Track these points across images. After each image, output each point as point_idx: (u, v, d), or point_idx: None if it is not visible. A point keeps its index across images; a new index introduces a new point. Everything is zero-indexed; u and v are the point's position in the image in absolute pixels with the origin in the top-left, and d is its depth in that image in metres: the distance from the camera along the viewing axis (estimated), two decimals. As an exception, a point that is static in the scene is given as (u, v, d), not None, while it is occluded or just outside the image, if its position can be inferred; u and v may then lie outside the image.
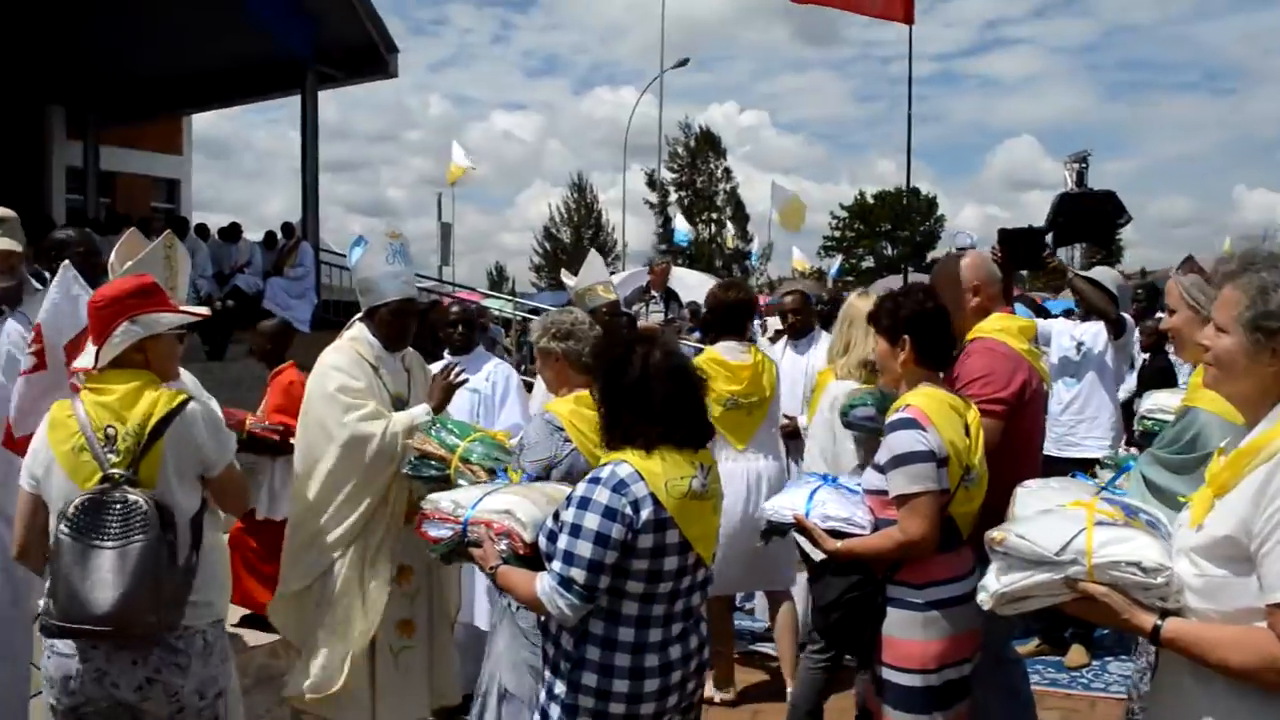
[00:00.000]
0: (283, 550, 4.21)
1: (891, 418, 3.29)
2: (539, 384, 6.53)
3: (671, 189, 55.48)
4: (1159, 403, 4.41)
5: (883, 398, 4.04)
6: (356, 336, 4.25)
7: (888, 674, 3.23)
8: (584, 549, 2.69)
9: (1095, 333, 5.89)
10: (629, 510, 2.71)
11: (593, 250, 6.37)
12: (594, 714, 2.80)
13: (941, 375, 3.50)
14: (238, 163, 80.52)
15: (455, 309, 5.54)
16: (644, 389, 2.85)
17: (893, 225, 59.41)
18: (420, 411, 4.04)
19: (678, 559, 2.81)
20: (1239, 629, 1.94)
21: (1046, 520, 2.30)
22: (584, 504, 2.74)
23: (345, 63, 15.19)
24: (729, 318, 5.35)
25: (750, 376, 5.16)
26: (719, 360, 5.19)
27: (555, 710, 2.85)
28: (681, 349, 3.16)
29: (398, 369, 4.32)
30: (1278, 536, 1.86)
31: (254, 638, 5.10)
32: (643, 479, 2.75)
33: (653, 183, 54.80)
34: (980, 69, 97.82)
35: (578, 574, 2.70)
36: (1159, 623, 2.04)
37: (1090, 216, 7.69)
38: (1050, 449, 5.64)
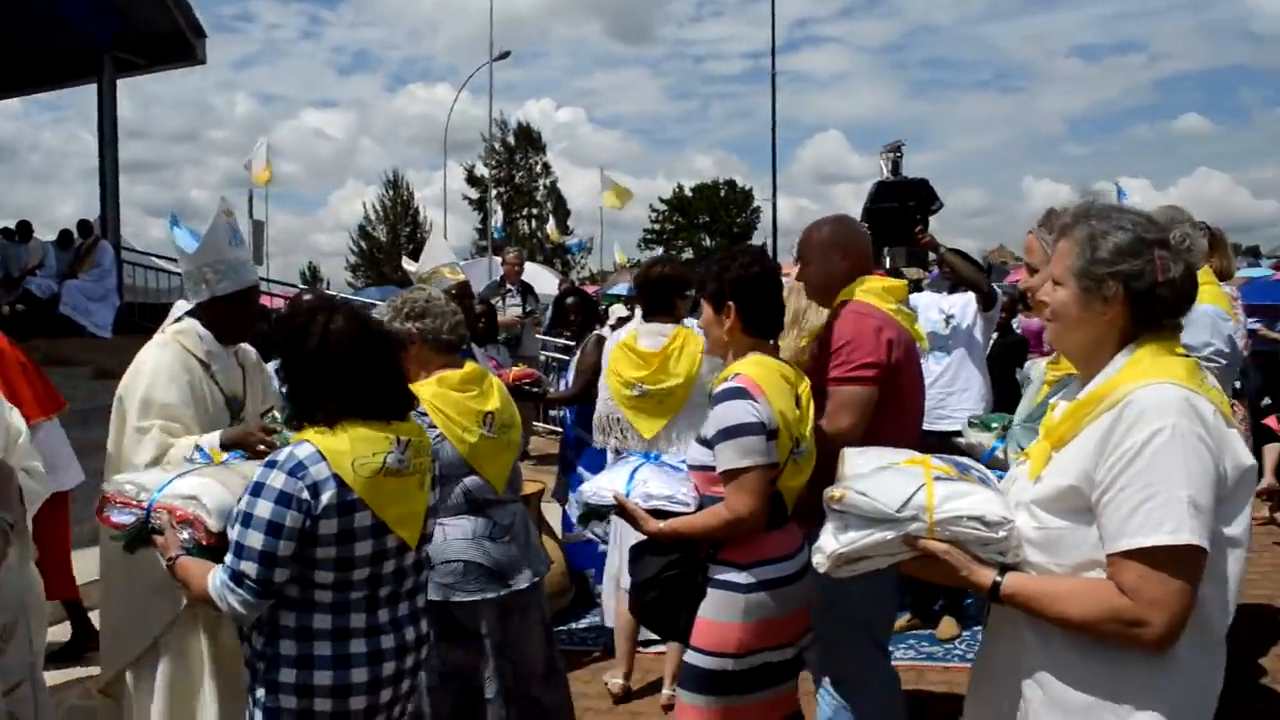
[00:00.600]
0: None
1: (719, 387, 3.06)
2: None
3: (491, 185, 54.92)
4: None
5: None
6: (184, 330, 3.77)
7: (692, 656, 3.02)
8: (255, 540, 2.47)
9: (964, 304, 5.89)
10: (306, 495, 2.49)
11: (434, 232, 5.95)
12: (298, 714, 2.57)
13: (772, 343, 3.29)
14: (23, 163, 75.25)
15: (308, 297, 4.98)
16: (323, 359, 2.61)
17: (711, 218, 60.52)
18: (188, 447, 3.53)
19: (372, 543, 2.59)
20: (1079, 581, 1.94)
21: (885, 477, 2.21)
22: (257, 490, 2.51)
23: (147, 49, 13.99)
24: (656, 294, 5.00)
25: (660, 363, 4.82)
26: (628, 345, 4.95)
27: (258, 717, 2.60)
28: (371, 315, 2.88)
29: (232, 365, 3.88)
30: (1120, 485, 1.86)
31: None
32: (324, 459, 2.53)
33: (472, 179, 54.19)
34: (790, 66, 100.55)
35: (249, 568, 2.48)
36: (998, 578, 2.00)
37: (906, 202, 7.87)
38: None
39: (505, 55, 33.23)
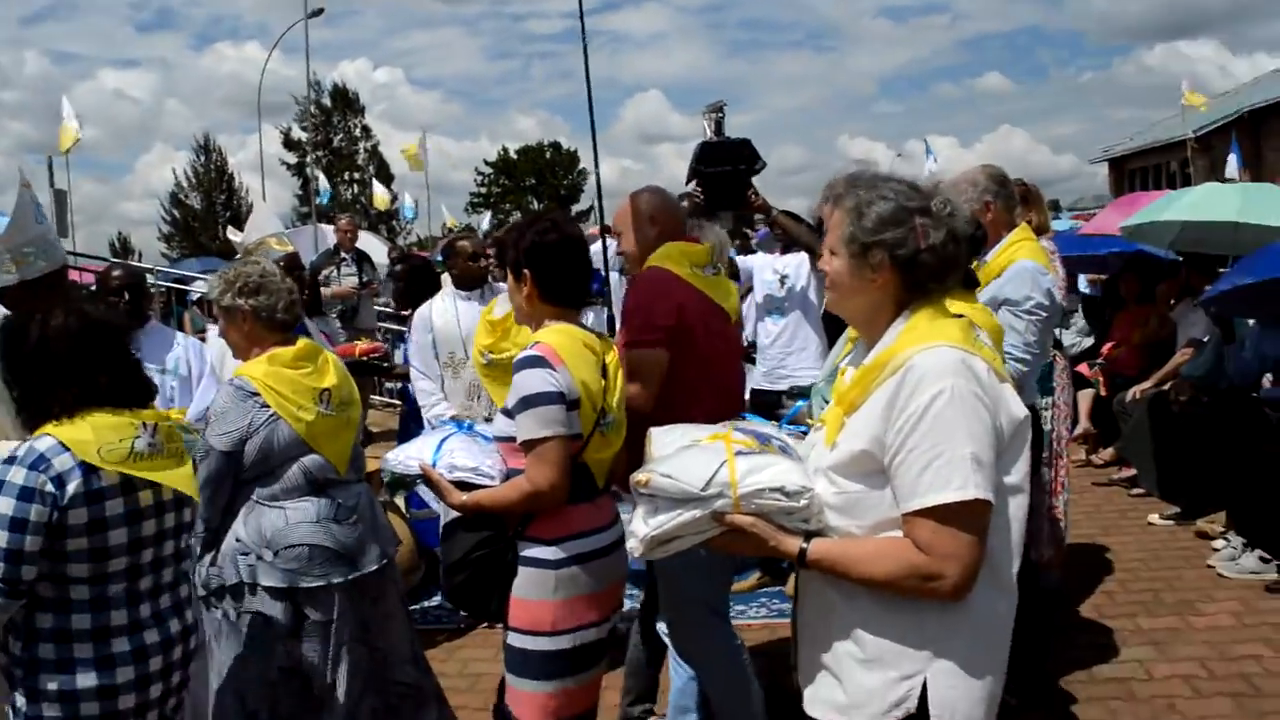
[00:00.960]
0: None
1: (518, 356, 3.02)
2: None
3: (310, 150, 53.17)
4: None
5: None
6: None
7: (511, 638, 2.99)
8: None
9: (798, 265, 5.97)
10: (50, 488, 2.45)
11: (259, 201, 5.76)
12: None
13: (579, 312, 3.25)
14: None
15: (117, 273, 4.71)
16: (45, 354, 2.60)
17: (537, 180, 60.17)
18: None
19: (126, 531, 2.57)
20: (879, 541, 2.01)
21: (688, 456, 2.23)
22: None
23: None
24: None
25: (504, 330, 4.80)
26: (485, 313, 4.95)
27: None
28: (92, 308, 2.82)
29: (131, 328, 3.64)
30: (908, 447, 1.93)
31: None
32: (67, 449, 2.49)
33: (289, 143, 52.34)
34: (610, 26, 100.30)
35: None
36: (804, 545, 2.06)
37: (730, 162, 8.01)
38: (761, 382, 5.74)
39: (319, 12, 32.06)
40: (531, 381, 2.88)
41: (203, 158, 52.67)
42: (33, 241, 3.57)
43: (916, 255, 2.09)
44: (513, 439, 2.96)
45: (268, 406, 3.34)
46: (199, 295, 12.77)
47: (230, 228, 9.77)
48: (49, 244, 3.63)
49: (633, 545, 2.21)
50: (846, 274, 2.15)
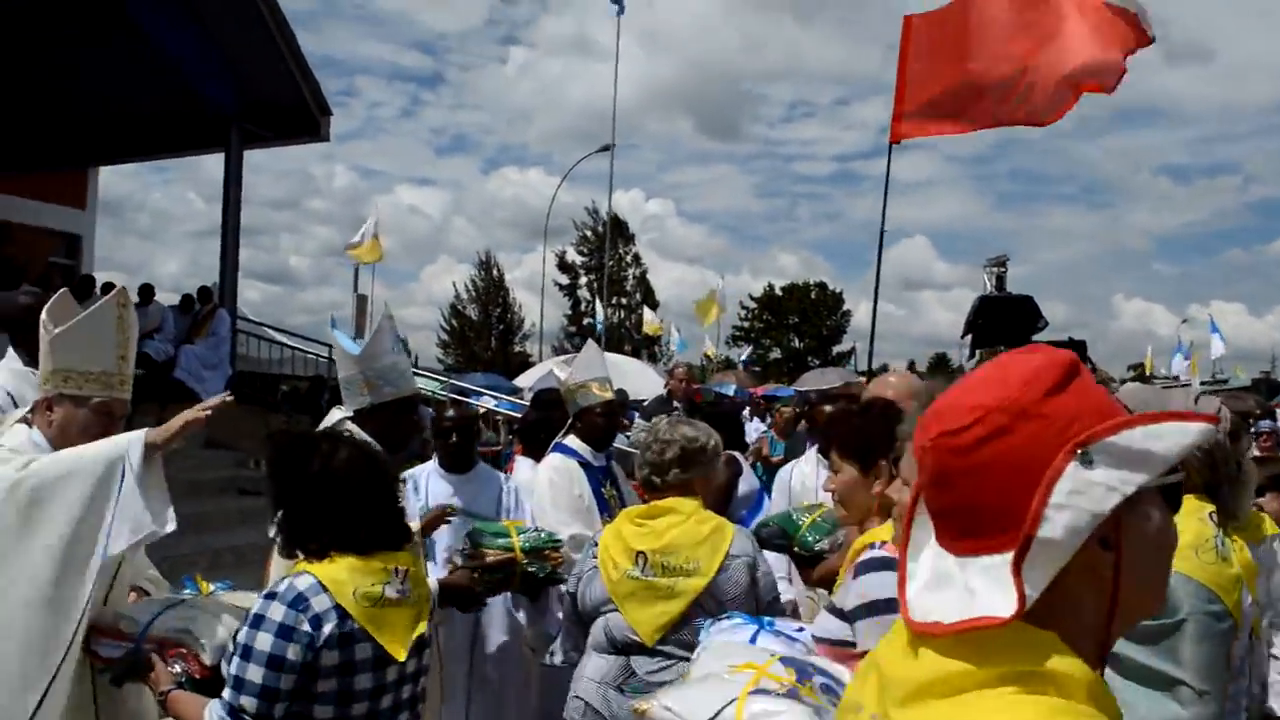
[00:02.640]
0: None
1: (863, 555, 2.60)
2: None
3: (582, 272, 55.32)
4: None
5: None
6: None
7: None
8: (255, 674, 2.41)
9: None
10: (308, 627, 2.44)
11: (590, 341, 5.68)
12: None
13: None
14: (132, 221, 77.72)
15: (451, 413, 4.79)
16: (324, 485, 2.59)
17: (800, 318, 60.24)
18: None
19: (371, 676, 2.53)
20: None
21: (698, 687, 2.18)
22: (257, 622, 2.46)
23: (274, 122, 14.35)
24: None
25: None
26: None
27: None
28: (374, 450, 2.79)
29: (400, 475, 3.65)
30: None
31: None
32: (325, 590, 2.48)
33: (563, 264, 54.63)
34: (878, 171, 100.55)
35: (248, 702, 2.41)
36: None
37: (1009, 320, 7.49)
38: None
39: (608, 148, 33.63)
40: (880, 585, 2.47)
41: (483, 272, 55.63)
42: (387, 368, 3.65)
43: None
44: (844, 643, 2.57)
45: (595, 558, 3.40)
46: (484, 410, 13.17)
47: (556, 361, 9.91)
48: (399, 372, 3.70)
49: None
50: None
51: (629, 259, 57.51)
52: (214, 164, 14.46)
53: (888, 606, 2.43)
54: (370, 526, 2.62)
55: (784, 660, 2.26)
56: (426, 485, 4.62)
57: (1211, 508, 2.46)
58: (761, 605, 3.27)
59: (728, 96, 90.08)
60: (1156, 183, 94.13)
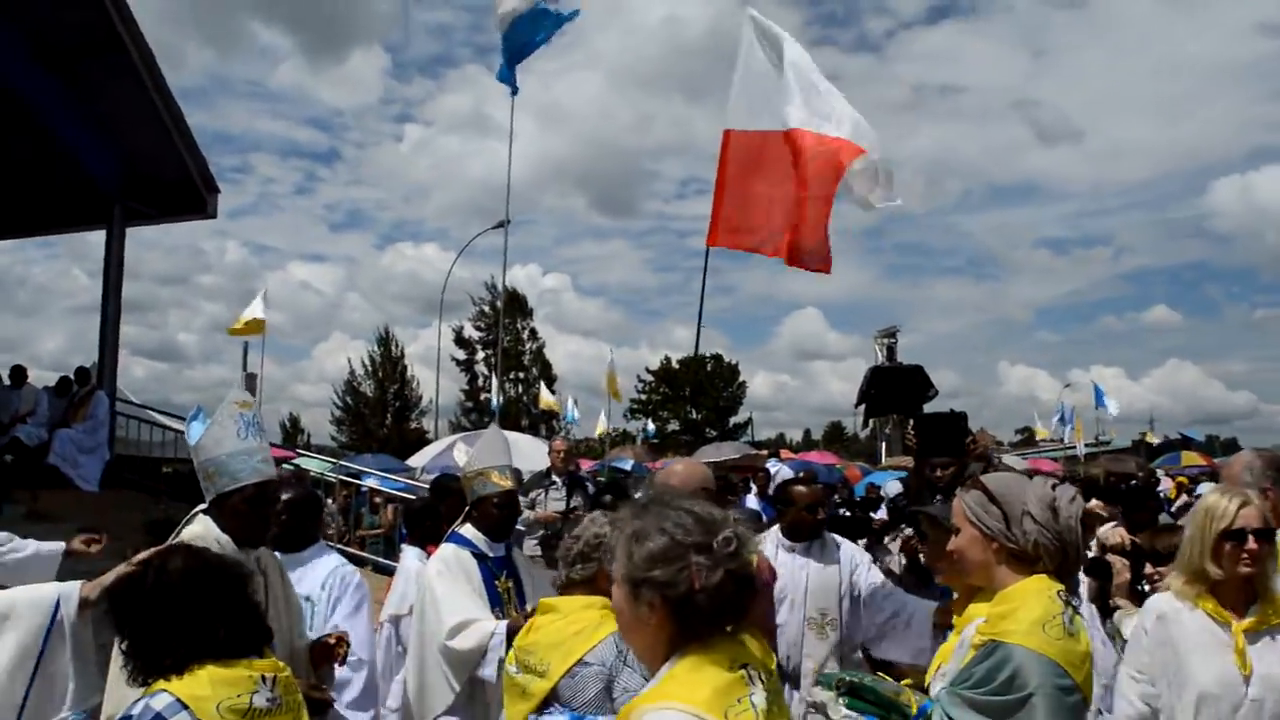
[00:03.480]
0: None
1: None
2: (401, 572, 5.59)
3: (479, 347, 55.04)
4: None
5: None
6: (201, 535, 3.39)
7: None
8: None
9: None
10: None
11: (494, 426, 5.60)
12: None
13: None
14: (9, 297, 75.11)
15: (285, 493, 4.64)
16: (161, 599, 2.46)
17: (694, 390, 60.72)
18: None
19: None
20: None
21: None
22: None
23: (159, 198, 14.03)
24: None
25: None
26: None
27: None
28: (210, 553, 2.70)
29: (252, 572, 3.47)
30: None
31: None
32: (186, 708, 2.31)
33: (460, 340, 54.31)
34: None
35: None
36: None
37: (900, 389, 7.64)
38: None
39: (503, 224, 33.63)
40: None
41: (380, 349, 54.95)
42: (231, 457, 3.50)
43: (689, 596, 1.91)
44: None
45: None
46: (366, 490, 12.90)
47: (459, 445, 9.70)
48: (242, 462, 3.52)
49: None
50: (625, 609, 2.00)
51: (526, 333, 57.46)
52: (98, 238, 14.06)
53: None
54: (227, 629, 2.46)
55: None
56: None
57: (1060, 587, 2.51)
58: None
59: (621, 173, 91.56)
60: (1036, 255, 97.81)
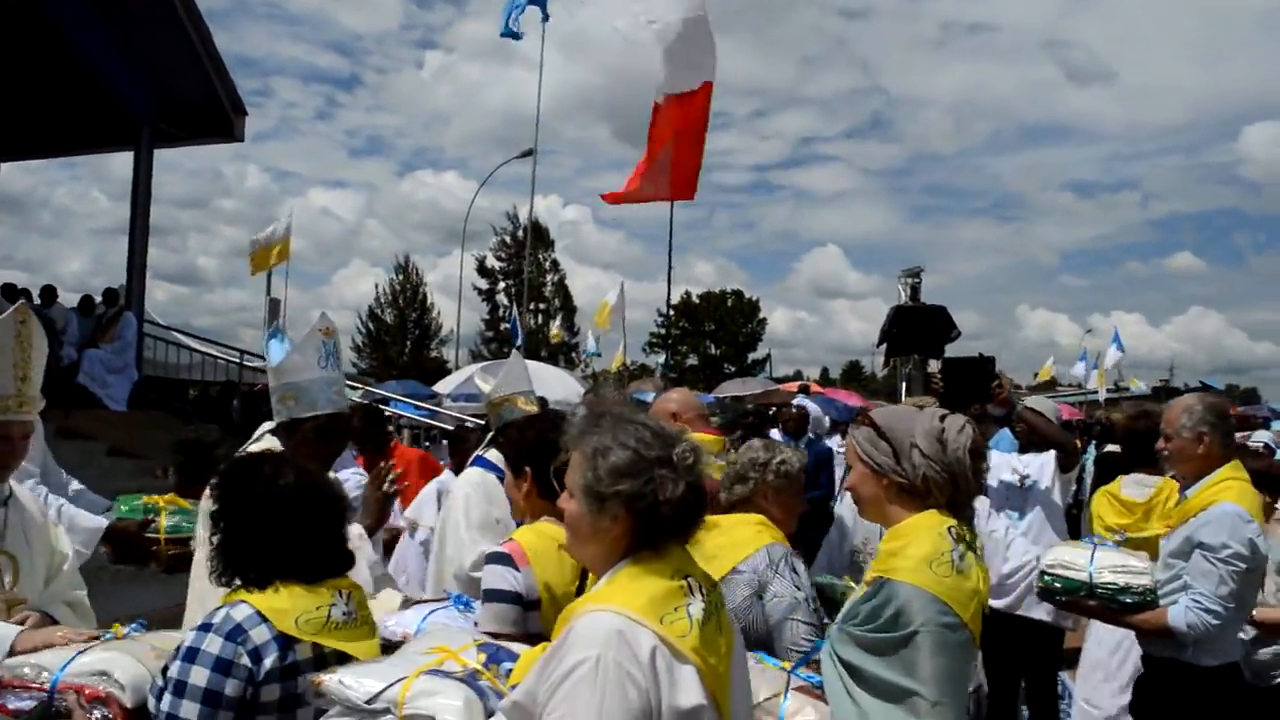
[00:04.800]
0: None
1: (490, 550, 3.07)
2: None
3: (500, 277, 55.02)
4: (1061, 558, 4.27)
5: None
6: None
7: None
8: (190, 710, 2.26)
9: (1041, 464, 5.54)
10: (247, 661, 2.31)
11: (515, 353, 5.62)
12: None
13: None
14: (34, 218, 75.38)
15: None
16: (264, 513, 2.48)
17: (717, 326, 60.69)
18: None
19: (313, 711, 2.38)
20: None
21: (382, 665, 2.30)
22: (191, 655, 2.31)
23: (187, 121, 14.04)
24: (1139, 447, 5.05)
25: (1143, 512, 4.79)
26: (1113, 493, 5.03)
27: None
28: (321, 476, 2.72)
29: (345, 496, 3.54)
30: (548, 711, 1.85)
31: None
32: (265, 620, 2.36)
33: (483, 269, 54.28)
34: (794, 181, 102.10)
35: None
36: None
37: (923, 329, 7.65)
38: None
39: (529, 153, 33.49)
40: (490, 578, 2.93)
41: (400, 276, 55.04)
42: (312, 385, 3.50)
43: (654, 508, 2.01)
44: None
45: None
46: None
47: (478, 373, 9.82)
48: (322, 391, 3.53)
49: None
50: (582, 522, 2.07)
51: (547, 265, 57.40)
52: (121, 160, 14.09)
53: (496, 596, 2.91)
54: (316, 553, 2.50)
55: (483, 647, 2.38)
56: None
57: (953, 522, 2.51)
58: (770, 624, 3.23)
59: (646, 104, 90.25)
60: (1062, 198, 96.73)
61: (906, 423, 2.61)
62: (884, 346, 7.87)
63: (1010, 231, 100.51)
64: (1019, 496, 5.59)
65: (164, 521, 4.13)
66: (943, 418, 2.61)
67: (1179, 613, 3.82)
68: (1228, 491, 3.91)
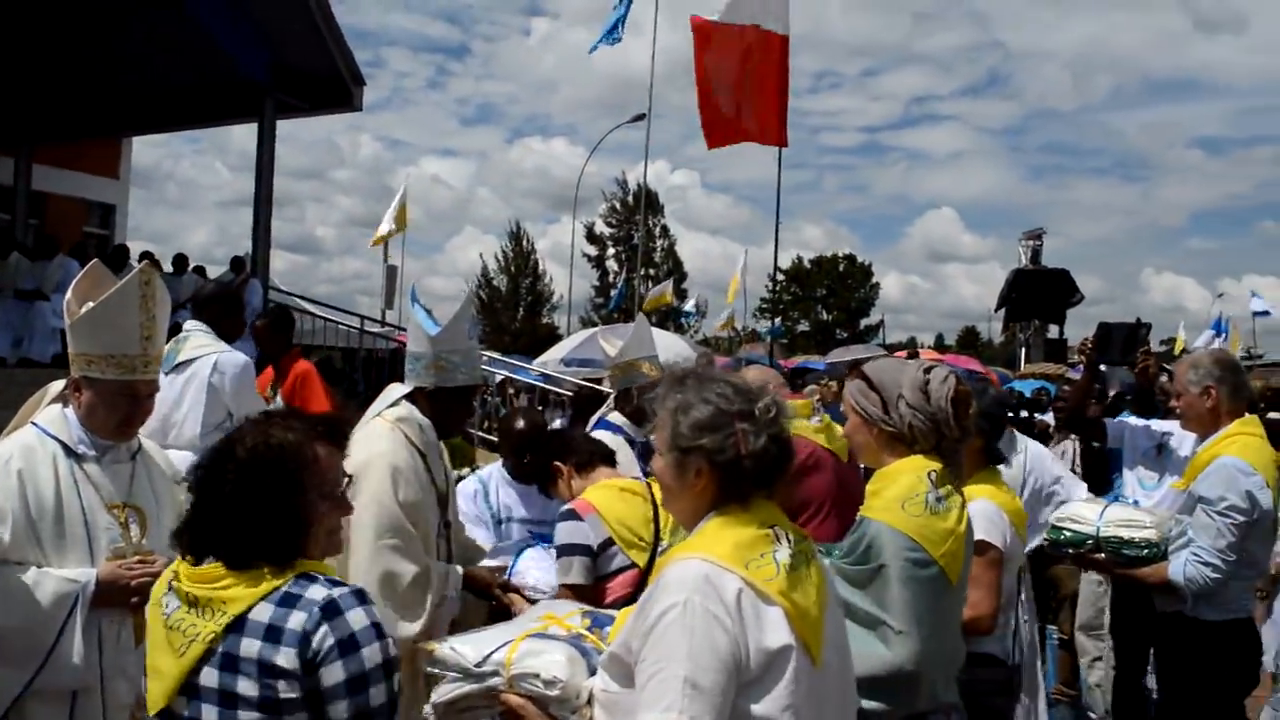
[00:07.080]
0: None
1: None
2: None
3: (609, 243, 55.16)
4: (1075, 512, 4.38)
5: None
6: (405, 417, 3.48)
7: None
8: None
9: (1181, 432, 5.30)
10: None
11: (640, 317, 5.59)
12: None
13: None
14: (160, 191, 78.11)
15: (521, 424, 4.51)
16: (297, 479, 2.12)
17: (828, 291, 59.92)
18: None
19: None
20: None
21: (489, 631, 2.39)
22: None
23: (308, 92, 14.32)
24: None
25: None
26: None
27: None
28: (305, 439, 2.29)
29: (438, 460, 3.60)
30: (641, 657, 1.90)
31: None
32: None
33: (592, 236, 54.50)
34: (906, 142, 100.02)
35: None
36: None
37: (1044, 293, 7.37)
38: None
39: (640, 118, 33.37)
40: (559, 534, 3.39)
41: (513, 244, 55.56)
42: (461, 353, 3.57)
43: (737, 461, 2.05)
44: None
45: None
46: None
47: (604, 338, 9.91)
48: (471, 360, 3.63)
49: (427, 711, 2.31)
50: (669, 477, 2.14)
51: (657, 230, 57.34)
52: (242, 133, 14.64)
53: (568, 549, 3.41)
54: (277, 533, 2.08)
55: (587, 613, 2.45)
56: (497, 493, 4.51)
57: (936, 467, 2.67)
58: None
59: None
60: (1190, 155, 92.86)
61: (894, 375, 2.79)
62: (1003, 311, 7.67)
63: (1134, 191, 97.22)
64: (1155, 463, 5.38)
65: None
66: (927, 370, 2.80)
67: (1178, 566, 3.99)
68: (1231, 445, 4.01)
